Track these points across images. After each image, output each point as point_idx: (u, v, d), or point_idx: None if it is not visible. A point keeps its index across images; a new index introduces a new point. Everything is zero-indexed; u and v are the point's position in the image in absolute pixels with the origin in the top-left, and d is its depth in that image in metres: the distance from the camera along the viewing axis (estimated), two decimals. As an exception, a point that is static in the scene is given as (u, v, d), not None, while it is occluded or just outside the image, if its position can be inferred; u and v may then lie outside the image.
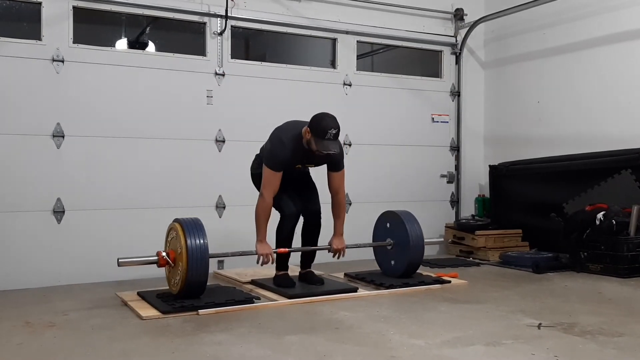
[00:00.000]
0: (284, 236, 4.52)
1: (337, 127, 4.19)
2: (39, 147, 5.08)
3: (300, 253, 4.75)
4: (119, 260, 4.11)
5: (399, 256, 4.91)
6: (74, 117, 5.20)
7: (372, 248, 5.23)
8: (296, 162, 4.40)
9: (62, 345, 3.25)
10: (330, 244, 4.61)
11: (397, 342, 3.21)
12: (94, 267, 5.19)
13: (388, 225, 5.04)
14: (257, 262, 4.38)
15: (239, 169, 5.33)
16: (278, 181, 4.33)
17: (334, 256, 4.65)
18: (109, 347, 3.19)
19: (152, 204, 5.48)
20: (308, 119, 4.46)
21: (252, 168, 4.69)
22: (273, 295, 4.38)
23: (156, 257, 4.15)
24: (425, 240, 4.89)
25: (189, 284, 4.00)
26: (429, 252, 6.79)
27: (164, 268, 4.25)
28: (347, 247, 4.66)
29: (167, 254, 4.13)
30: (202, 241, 4.01)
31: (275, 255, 4.45)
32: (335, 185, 4.51)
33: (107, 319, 3.79)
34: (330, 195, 4.56)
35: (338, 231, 4.59)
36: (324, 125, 4.16)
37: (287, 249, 4.51)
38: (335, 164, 4.47)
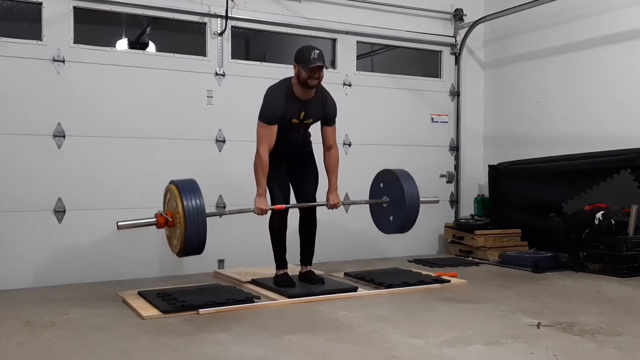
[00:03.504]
0: (274, 229, 4.57)
1: (319, 50, 4.34)
2: (39, 147, 5.09)
3: (300, 250, 4.74)
4: (118, 223, 4.12)
5: (394, 213, 4.89)
6: (74, 117, 5.21)
7: (368, 208, 5.23)
8: (291, 113, 4.41)
9: (62, 345, 3.26)
10: (327, 200, 4.65)
11: (396, 342, 3.22)
12: (94, 266, 5.21)
13: (381, 185, 5.05)
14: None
15: (239, 168, 5.34)
16: (273, 136, 4.37)
17: (328, 208, 4.68)
18: (110, 346, 3.20)
19: (152, 204, 5.44)
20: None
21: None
22: (273, 294, 4.39)
23: (155, 219, 4.15)
24: (420, 199, 4.86)
25: (189, 245, 4.02)
26: (429, 251, 6.82)
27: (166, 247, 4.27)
28: (343, 204, 4.76)
29: (166, 216, 4.13)
30: (198, 202, 4.01)
31: (270, 212, 4.49)
32: (329, 139, 4.61)
33: (107, 319, 3.79)
34: (323, 149, 4.65)
35: (333, 186, 4.65)
36: (306, 50, 4.33)
37: (284, 206, 4.49)
38: (330, 118, 4.57)
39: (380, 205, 5.03)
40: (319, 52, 4.33)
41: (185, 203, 3.97)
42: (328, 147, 4.64)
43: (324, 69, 4.36)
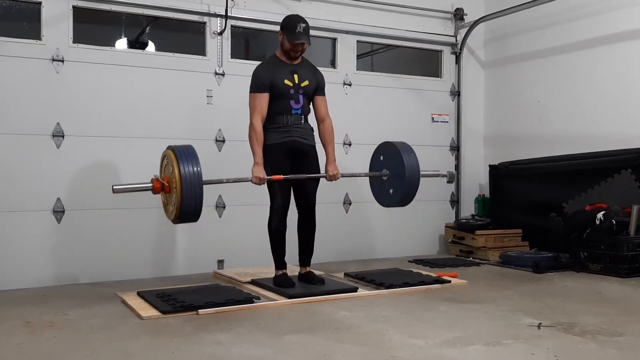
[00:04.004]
0: (273, 229, 4.54)
1: (306, 22, 4.47)
2: (38, 146, 5.08)
3: (298, 251, 4.73)
4: (114, 187, 4.11)
5: (394, 186, 4.83)
6: (73, 117, 5.20)
7: (368, 182, 5.17)
8: (282, 75, 4.44)
9: (62, 345, 3.25)
10: (325, 171, 4.60)
11: (397, 342, 3.22)
12: (94, 267, 5.20)
13: (381, 158, 4.98)
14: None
15: (239, 168, 5.32)
16: (265, 103, 4.41)
17: (328, 180, 4.63)
18: (109, 347, 3.19)
19: (152, 204, 5.46)
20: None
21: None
22: (273, 295, 4.38)
23: (151, 184, 4.12)
24: (421, 173, 4.79)
25: (185, 211, 3.97)
26: (429, 252, 6.81)
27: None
28: (343, 176, 4.66)
29: (162, 181, 4.10)
30: (195, 168, 3.97)
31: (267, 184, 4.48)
32: (322, 110, 4.63)
33: (107, 319, 3.79)
34: (316, 123, 4.65)
35: (331, 157, 4.61)
36: (293, 21, 4.46)
37: (281, 176, 4.43)
38: (321, 85, 4.62)
39: (380, 179, 4.96)
40: (305, 26, 4.43)
41: (182, 168, 3.93)
42: (321, 118, 4.64)
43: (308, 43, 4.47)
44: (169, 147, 4.15)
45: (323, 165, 4.67)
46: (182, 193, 3.91)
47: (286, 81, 4.45)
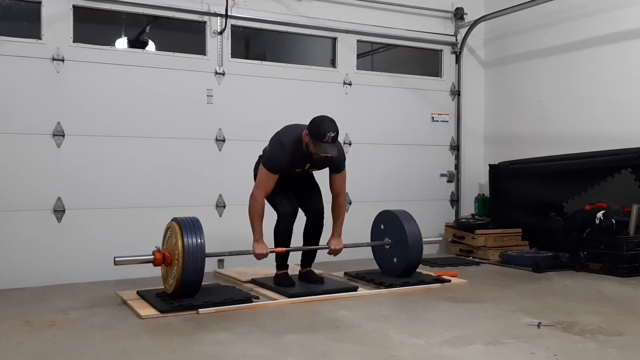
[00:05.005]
0: (280, 236, 4.53)
1: (336, 131, 4.16)
2: (39, 146, 5.08)
3: (301, 252, 4.74)
4: (116, 259, 4.10)
5: (398, 255, 4.91)
6: (74, 116, 5.20)
7: (371, 248, 5.22)
8: (295, 166, 4.39)
9: (62, 344, 3.25)
10: (328, 244, 4.61)
11: (397, 341, 3.22)
12: (93, 266, 5.19)
13: (382, 226, 5.04)
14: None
15: (239, 168, 5.35)
16: (272, 183, 4.33)
17: (329, 253, 4.66)
18: (109, 346, 3.19)
19: (153, 203, 5.48)
20: (308, 118, 4.46)
21: (255, 169, 4.68)
22: (273, 294, 4.38)
23: (152, 256, 4.13)
24: (423, 240, 4.88)
25: (185, 283, 3.97)
26: (429, 251, 6.79)
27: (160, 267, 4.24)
28: (345, 247, 4.64)
29: (164, 253, 4.12)
30: (199, 240, 3.98)
31: (273, 254, 4.47)
32: (337, 187, 4.51)
33: (107, 318, 3.79)
34: (331, 196, 4.57)
35: (337, 232, 4.60)
36: (322, 129, 4.13)
37: (284, 249, 4.50)
38: (336, 167, 4.46)
39: (382, 247, 5.02)
40: (334, 136, 4.13)
41: (185, 240, 3.94)
42: (336, 194, 4.52)
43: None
44: (174, 219, 4.15)
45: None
46: (184, 264, 3.91)
47: (297, 170, 4.44)
